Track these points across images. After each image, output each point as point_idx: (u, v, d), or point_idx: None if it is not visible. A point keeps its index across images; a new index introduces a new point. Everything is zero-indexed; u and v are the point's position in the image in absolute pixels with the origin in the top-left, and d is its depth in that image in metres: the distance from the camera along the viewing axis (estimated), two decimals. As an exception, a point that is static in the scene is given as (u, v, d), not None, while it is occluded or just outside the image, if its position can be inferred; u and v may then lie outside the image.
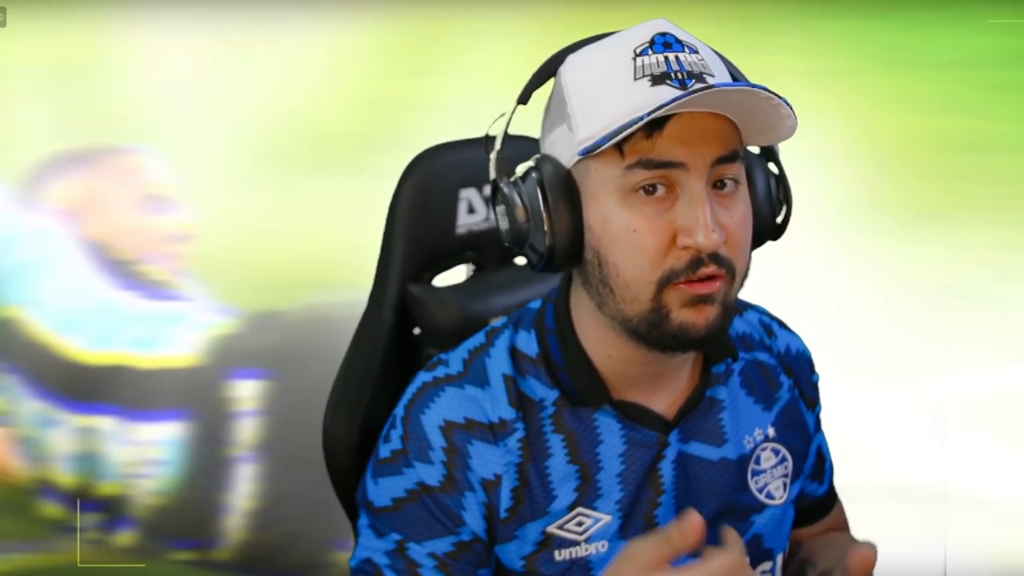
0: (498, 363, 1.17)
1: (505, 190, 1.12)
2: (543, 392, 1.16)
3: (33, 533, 2.88)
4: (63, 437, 2.91)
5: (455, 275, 1.40)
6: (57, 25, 3.10)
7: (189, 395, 2.88)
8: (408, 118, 3.02)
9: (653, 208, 1.06)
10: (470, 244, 1.36)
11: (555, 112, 1.12)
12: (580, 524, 1.16)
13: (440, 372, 1.18)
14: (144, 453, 2.87)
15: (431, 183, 1.32)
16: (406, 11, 3.20)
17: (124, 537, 2.87)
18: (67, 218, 3.01)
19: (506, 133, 1.14)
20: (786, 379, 1.29)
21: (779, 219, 1.18)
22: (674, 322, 1.08)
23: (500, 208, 1.13)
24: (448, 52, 3.21)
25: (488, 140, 1.17)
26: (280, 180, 3.15)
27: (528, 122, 1.18)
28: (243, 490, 2.82)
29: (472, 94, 3.01)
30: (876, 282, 2.95)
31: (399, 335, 1.32)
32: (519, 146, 1.17)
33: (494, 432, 1.14)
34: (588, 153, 1.06)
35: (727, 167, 1.07)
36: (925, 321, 2.87)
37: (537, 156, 1.13)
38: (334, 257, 2.91)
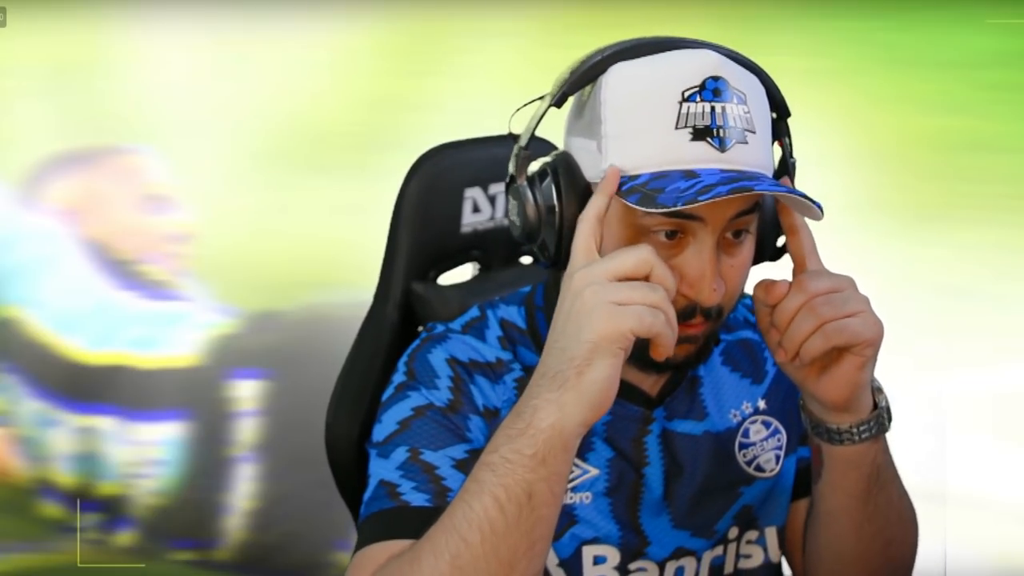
0: (493, 330, 1.21)
1: (521, 189, 1.11)
2: (531, 359, 1.19)
3: (33, 533, 2.88)
4: (63, 437, 2.91)
5: (461, 274, 1.40)
6: (57, 25, 3.10)
7: (189, 395, 2.88)
8: (408, 118, 3.02)
9: (664, 252, 1.06)
10: (475, 243, 1.36)
11: (587, 122, 1.09)
12: (570, 472, 1.17)
13: (441, 328, 1.22)
14: (144, 453, 2.87)
15: (436, 182, 1.32)
16: (406, 11, 3.20)
17: (124, 537, 2.87)
18: (67, 218, 3.01)
19: (535, 128, 1.12)
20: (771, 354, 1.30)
21: (780, 243, 1.18)
22: (655, 353, 1.09)
23: (513, 204, 1.13)
24: (448, 52, 3.21)
25: (512, 135, 1.16)
26: (280, 180, 3.15)
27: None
28: (243, 490, 2.82)
29: (472, 94, 3.01)
30: (876, 282, 2.94)
31: (403, 333, 1.33)
32: (537, 146, 1.17)
33: (494, 371, 1.18)
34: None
35: (744, 219, 1.08)
36: (925, 321, 2.87)
37: (556, 154, 1.12)
38: (334, 257, 2.92)
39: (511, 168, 1.13)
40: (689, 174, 1.02)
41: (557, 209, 1.08)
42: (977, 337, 2.87)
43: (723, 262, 1.08)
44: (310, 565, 2.75)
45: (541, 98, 1.13)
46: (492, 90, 2.93)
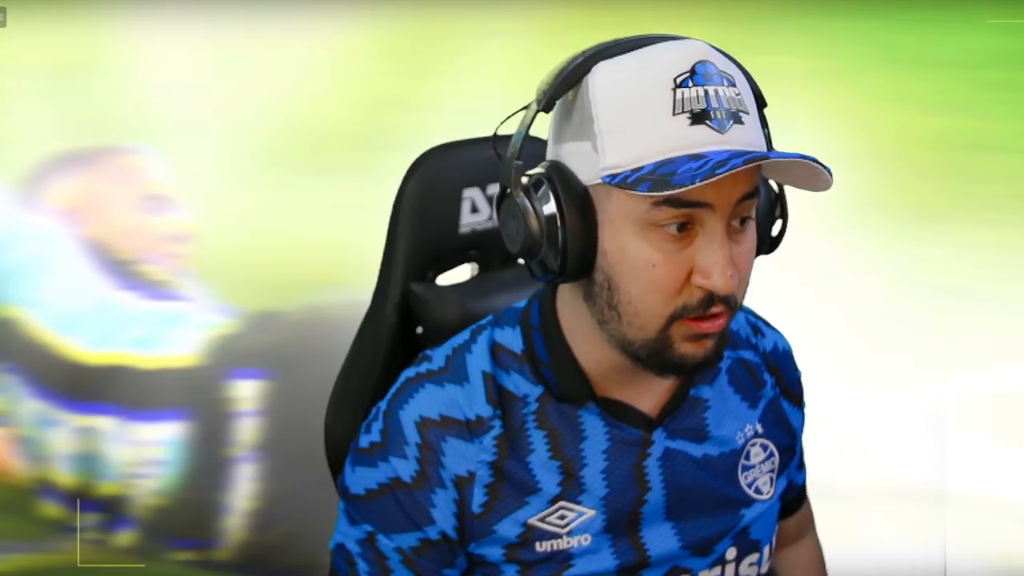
0: (478, 360, 1.18)
1: (518, 201, 1.09)
2: (527, 388, 1.17)
3: (33, 533, 2.88)
4: (63, 437, 2.91)
5: (460, 274, 1.40)
6: (57, 25, 3.10)
7: (189, 395, 2.88)
8: (408, 118, 3.02)
9: (673, 244, 1.05)
10: (474, 243, 1.36)
11: (578, 124, 1.08)
12: (562, 518, 1.17)
13: (423, 368, 1.19)
14: (144, 453, 2.87)
15: (435, 182, 1.32)
16: (406, 11, 3.20)
17: (124, 537, 2.87)
18: (67, 218, 3.01)
19: (525, 137, 1.10)
20: (769, 378, 1.30)
21: (774, 232, 1.18)
22: (676, 353, 1.09)
23: (509, 218, 1.11)
24: (448, 52, 3.21)
25: (497, 140, 1.15)
26: (280, 180, 3.15)
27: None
28: (243, 490, 2.82)
29: (472, 94, 3.01)
30: (876, 282, 2.95)
31: (402, 334, 1.33)
32: (527, 147, 1.15)
33: (470, 429, 1.15)
34: (617, 185, 1.04)
35: (747, 204, 1.07)
36: (925, 321, 2.88)
37: (547, 164, 1.10)
38: (334, 257, 2.92)
39: (503, 181, 1.10)
40: (695, 156, 1.02)
41: (559, 219, 1.07)
42: (977, 337, 2.87)
43: (732, 250, 1.07)
44: (310, 565, 2.75)
45: (525, 108, 1.11)
46: (492, 90, 2.93)
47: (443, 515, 1.15)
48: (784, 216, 1.18)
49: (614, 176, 1.04)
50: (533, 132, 1.12)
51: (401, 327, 1.32)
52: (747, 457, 1.26)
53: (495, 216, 1.14)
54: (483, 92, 2.94)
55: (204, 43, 3.13)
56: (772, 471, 1.28)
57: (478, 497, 1.15)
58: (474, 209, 1.34)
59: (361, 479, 1.17)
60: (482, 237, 1.36)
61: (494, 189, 1.35)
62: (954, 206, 3.03)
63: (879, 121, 3.09)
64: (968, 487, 2.69)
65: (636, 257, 1.06)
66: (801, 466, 1.39)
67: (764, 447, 1.27)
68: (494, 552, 1.16)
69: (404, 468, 1.14)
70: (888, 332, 2.90)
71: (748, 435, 1.26)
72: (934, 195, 3.06)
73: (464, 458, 1.15)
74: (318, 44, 3.19)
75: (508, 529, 1.16)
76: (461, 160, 1.34)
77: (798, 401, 1.33)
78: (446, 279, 1.37)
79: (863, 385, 2.80)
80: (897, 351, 2.86)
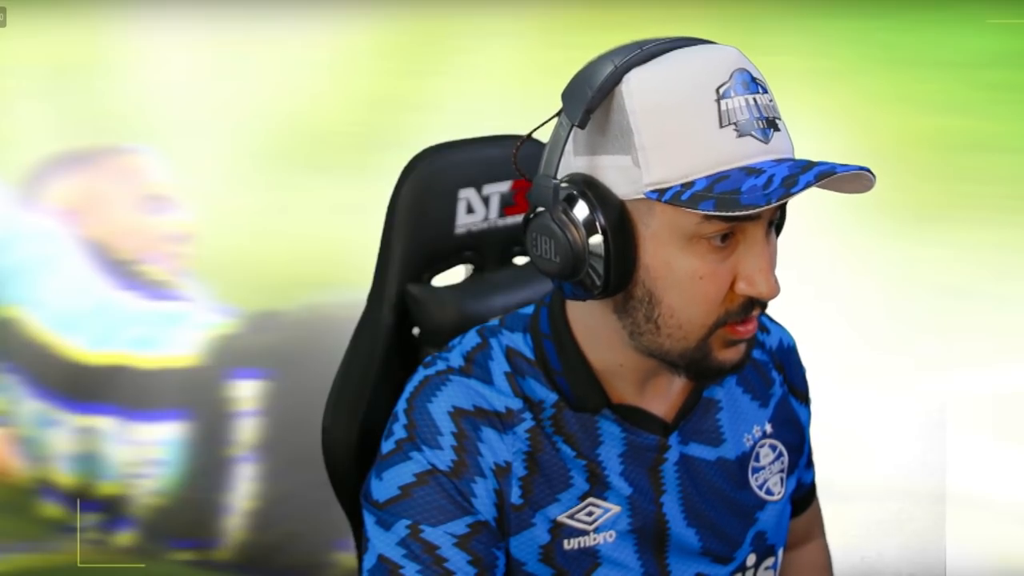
0: (499, 363, 1.17)
1: (559, 219, 1.06)
2: (543, 393, 1.16)
3: (33, 533, 2.88)
4: (63, 437, 2.91)
5: (454, 275, 1.40)
6: (57, 25, 3.10)
7: (189, 395, 2.88)
8: (408, 118, 3.02)
9: (717, 255, 1.04)
10: (469, 244, 1.35)
11: (614, 137, 1.05)
12: (590, 514, 1.16)
13: (441, 366, 1.17)
14: (144, 453, 2.87)
15: (430, 183, 1.31)
16: (406, 11, 3.20)
17: (124, 537, 2.87)
18: (67, 218, 3.01)
19: (561, 154, 1.06)
20: (777, 375, 1.30)
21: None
22: (715, 360, 1.08)
23: (544, 237, 1.08)
24: (448, 52, 3.21)
25: (518, 149, 1.13)
26: (280, 180, 3.15)
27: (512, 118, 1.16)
28: (243, 490, 2.82)
29: (472, 94, 3.01)
30: (876, 282, 2.95)
31: (398, 335, 1.32)
32: (533, 147, 1.14)
33: (502, 421, 1.14)
34: (669, 203, 1.02)
35: (777, 209, 1.07)
36: (925, 321, 2.88)
37: (576, 177, 1.07)
38: (334, 257, 2.92)
39: (538, 201, 1.08)
40: (750, 170, 1.01)
41: (603, 235, 1.04)
42: (977, 337, 2.87)
43: None
44: (310, 565, 2.75)
45: (532, 138, 1.10)
46: (492, 90, 2.93)
47: (484, 504, 1.12)
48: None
49: (662, 192, 1.02)
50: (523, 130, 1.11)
51: (397, 329, 1.32)
52: (756, 459, 1.26)
53: (524, 238, 1.10)
54: (483, 92, 2.94)
55: (204, 43, 3.14)
56: (782, 471, 1.28)
57: (515, 489, 1.13)
58: (469, 210, 1.34)
59: (393, 479, 1.13)
60: (478, 238, 1.35)
61: (489, 189, 1.34)
62: (954, 206, 3.03)
63: (879, 121, 3.09)
64: (968, 487, 2.69)
65: (682, 270, 1.05)
66: (810, 464, 1.38)
67: (773, 447, 1.27)
68: (527, 551, 1.15)
69: (440, 458, 1.11)
70: (888, 332, 2.90)
71: (756, 436, 1.26)
72: (934, 195, 3.06)
73: (500, 448, 1.13)
74: (318, 44, 3.19)
75: (544, 523, 1.15)
76: (456, 161, 1.33)
77: (804, 398, 1.33)
78: (440, 280, 1.37)
79: (863, 385, 2.80)
80: (897, 351, 2.86)
